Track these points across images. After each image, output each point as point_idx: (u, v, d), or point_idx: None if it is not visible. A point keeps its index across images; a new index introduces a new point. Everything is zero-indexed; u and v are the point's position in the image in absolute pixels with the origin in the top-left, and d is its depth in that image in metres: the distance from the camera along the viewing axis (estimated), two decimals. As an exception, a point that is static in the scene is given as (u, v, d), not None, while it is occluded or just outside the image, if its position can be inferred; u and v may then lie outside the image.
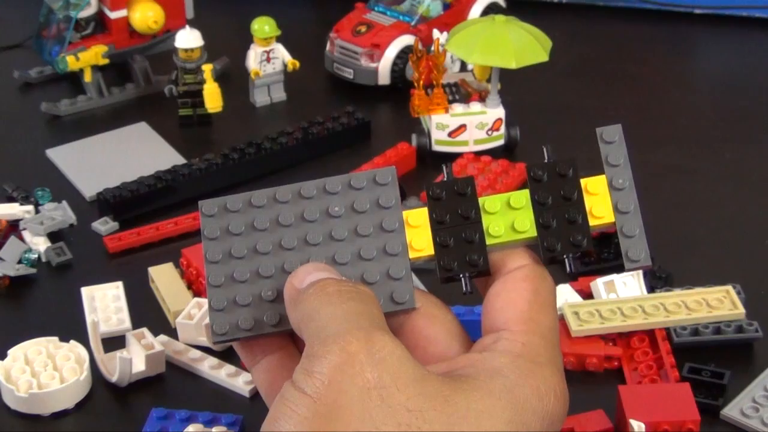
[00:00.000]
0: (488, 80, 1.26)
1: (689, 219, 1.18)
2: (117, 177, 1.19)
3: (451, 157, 1.23)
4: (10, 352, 0.96)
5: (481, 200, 0.50)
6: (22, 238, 1.12)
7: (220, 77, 1.37)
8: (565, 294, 1.01)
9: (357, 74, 1.39)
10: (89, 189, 1.20)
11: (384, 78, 1.39)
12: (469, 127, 1.25)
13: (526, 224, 0.49)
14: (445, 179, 0.51)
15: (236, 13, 1.59)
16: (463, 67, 1.36)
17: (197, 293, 1.05)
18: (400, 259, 0.49)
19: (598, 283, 1.02)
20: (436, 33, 1.28)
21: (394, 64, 1.38)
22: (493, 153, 1.25)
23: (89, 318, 1.01)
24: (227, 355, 0.99)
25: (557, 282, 1.11)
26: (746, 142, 1.31)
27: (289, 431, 0.43)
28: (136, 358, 0.96)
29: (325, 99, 1.41)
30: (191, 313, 1.01)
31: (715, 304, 0.99)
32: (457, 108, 1.25)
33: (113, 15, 1.37)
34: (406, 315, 0.49)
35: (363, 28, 1.40)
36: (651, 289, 1.03)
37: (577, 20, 1.59)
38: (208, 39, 1.33)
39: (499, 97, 1.25)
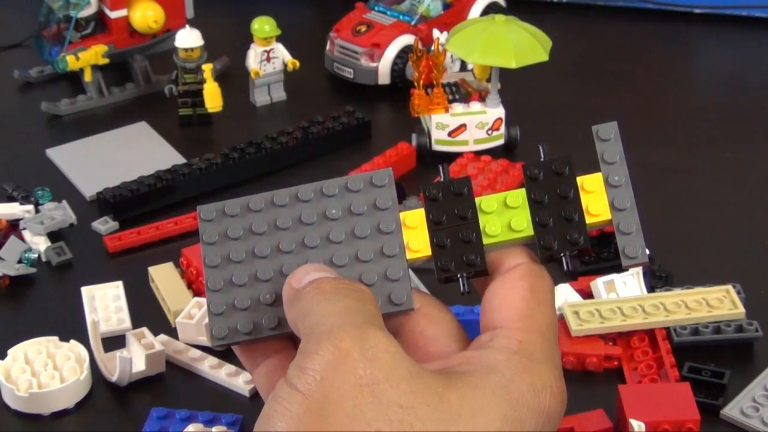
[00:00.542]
0: (488, 80, 1.26)
1: (689, 219, 1.18)
2: (117, 177, 1.19)
3: (451, 157, 1.23)
4: (10, 351, 0.96)
5: (477, 200, 0.50)
6: (22, 238, 1.12)
7: (220, 77, 1.37)
8: (565, 294, 1.01)
9: (357, 74, 1.39)
10: (89, 189, 1.21)
11: (384, 78, 1.39)
12: (469, 126, 1.25)
13: (523, 223, 0.49)
14: (442, 180, 0.51)
15: (236, 13, 1.59)
16: (463, 66, 1.36)
17: (197, 293, 1.05)
18: (397, 260, 0.49)
19: (598, 283, 1.02)
20: (436, 33, 1.28)
21: (394, 63, 1.38)
22: (493, 153, 1.25)
23: (89, 318, 1.01)
24: (227, 355, 0.99)
25: (556, 282, 1.11)
26: (746, 142, 1.31)
27: (281, 430, 0.43)
28: (136, 357, 0.96)
29: (325, 99, 1.41)
30: (191, 313, 1.01)
31: (715, 304, 0.99)
32: (457, 108, 1.25)
33: (113, 15, 1.37)
34: (405, 316, 0.49)
35: (363, 28, 1.40)
36: (651, 288, 1.03)
37: (577, 20, 1.59)
38: (208, 39, 1.33)
39: (499, 96, 1.25)
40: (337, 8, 1.49)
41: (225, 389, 0.97)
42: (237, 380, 0.96)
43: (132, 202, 1.17)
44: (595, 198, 0.49)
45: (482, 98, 1.26)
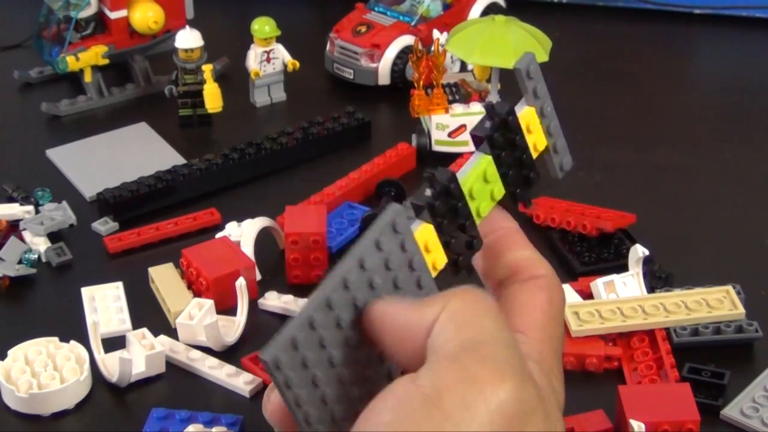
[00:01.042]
0: (488, 80, 1.26)
1: (689, 219, 1.18)
2: (117, 177, 1.19)
3: (451, 158, 1.23)
4: (10, 352, 0.96)
5: (462, 181, 0.51)
6: (22, 238, 1.12)
7: (220, 77, 1.37)
8: (565, 294, 1.01)
9: (357, 74, 1.40)
10: (89, 189, 1.21)
11: (384, 78, 1.39)
12: (469, 127, 1.24)
13: (501, 190, 0.52)
14: (435, 189, 0.50)
15: (236, 13, 1.59)
16: (463, 67, 1.36)
17: (197, 293, 1.05)
18: (430, 284, 0.49)
19: (598, 283, 1.02)
20: (436, 33, 1.28)
21: (394, 64, 1.38)
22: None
23: (89, 318, 1.01)
24: (227, 355, 0.99)
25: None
26: (746, 142, 1.31)
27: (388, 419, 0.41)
28: (136, 358, 0.96)
29: (325, 99, 1.41)
30: (191, 313, 1.01)
31: (715, 304, 0.99)
32: (457, 108, 1.25)
33: (113, 15, 1.37)
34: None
35: (363, 29, 1.40)
36: (651, 289, 1.03)
37: (577, 20, 1.59)
38: (208, 39, 1.33)
39: (499, 97, 1.25)
40: (337, 8, 1.49)
41: (225, 389, 0.97)
42: (237, 380, 0.96)
43: (132, 203, 1.17)
44: (535, 134, 0.55)
45: (482, 99, 1.26)
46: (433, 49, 1.23)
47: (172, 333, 1.01)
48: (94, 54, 1.36)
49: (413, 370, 0.43)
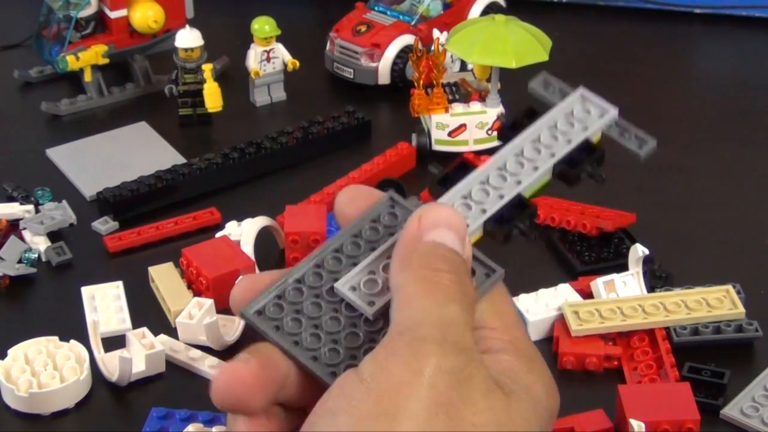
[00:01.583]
0: (488, 80, 1.26)
1: (689, 219, 1.18)
2: (117, 177, 1.19)
3: (451, 157, 1.23)
4: (10, 351, 0.96)
5: None
6: (22, 238, 1.12)
7: (220, 77, 1.37)
8: (565, 294, 1.01)
9: (357, 74, 1.40)
10: (89, 189, 1.21)
11: (384, 78, 1.39)
12: (469, 126, 1.25)
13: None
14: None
15: (236, 13, 1.59)
16: (463, 66, 1.36)
17: (197, 293, 1.05)
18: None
19: (598, 283, 1.02)
20: (436, 33, 1.28)
21: (394, 63, 1.38)
22: (493, 153, 1.24)
23: (89, 318, 1.01)
24: (227, 355, 0.99)
25: (557, 282, 1.11)
26: (746, 142, 1.31)
27: (345, 428, 0.41)
28: (136, 357, 0.96)
29: (325, 99, 1.41)
30: (191, 313, 1.01)
31: (715, 304, 0.99)
32: (457, 108, 1.25)
33: (113, 15, 1.37)
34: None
35: (363, 28, 1.40)
36: (651, 288, 1.03)
37: (577, 20, 1.59)
38: (208, 39, 1.33)
39: (499, 96, 1.25)
40: (337, 8, 1.49)
41: (225, 389, 0.96)
42: (237, 380, 0.96)
43: (132, 202, 1.17)
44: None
45: (482, 98, 1.26)
46: (433, 48, 1.23)
47: (172, 332, 1.01)
48: (94, 53, 1.36)
49: None
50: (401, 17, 1.42)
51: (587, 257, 1.09)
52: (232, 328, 1.02)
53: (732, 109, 1.40)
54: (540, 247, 1.10)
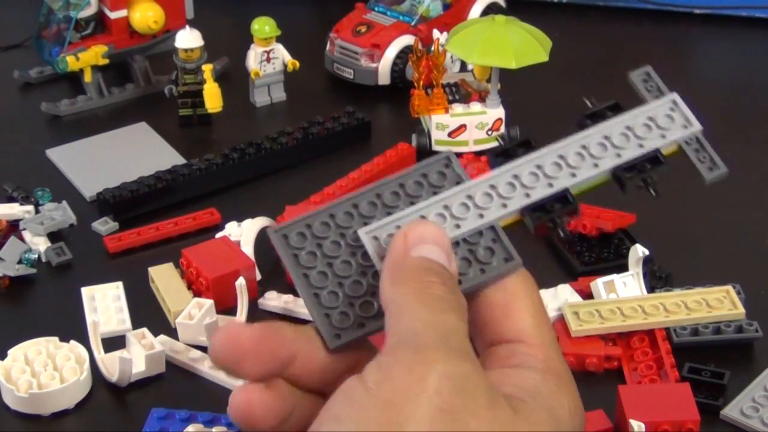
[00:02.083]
0: (488, 80, 1.26)
1: (689, 219, 1.18)
2: (117, 177, 1.19)
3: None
4: (10, 352, 0.96)
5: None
6: (22, 238, 1.12)
7: (220, 77, 1.37)
8: (565, 294, 1.01)
9: (357, 74, 1.40)
10: (89, 189, 1.21)
11: (384, 78, 1.39)
12: (469, 127, 1.25)
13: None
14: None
15: (236, 13, 1.59)
16: (463, 67, 1.36)
17: (197, 293, 1.05)
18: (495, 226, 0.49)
19: (598, 283, 1.02)
20: (436, 33, 1.28)
21: (394, 64, 1.38)
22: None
23: (89, 318, 1.01)
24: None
25: (557, 282, 1.11)
26: (746, 142, 1.31)
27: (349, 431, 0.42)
28: (136, 358, 0.96)
29: (325, 99, 1.41)
30: (191, 313, 1.01)
31: (715, 304, 0.99)
32: (457, 108, 1.25)
33: (113, 15, 1.37)
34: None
35: (363, 29, 1.40)
36: (651, 289, 1.03)
37: (577, 20, 1.59)
38: (208, 39, 1.33)
39: (499, 97, 1.25)
40: (337, 8, 1.49)
41: (225, 389, 0.97)
42: (237, 380, 0.96)
43: (132, 203, 1.17)
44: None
45: (482, 99, 1.26)
46: (433, 49, 1.23)
47: (172, 333, 1.01)
48: (94, 54, 1.36)
49: None
50: (401, 18, 1.42)
51: (587, 258, 1.09)
52: (232, 328, 1.02)
53: (732, 109, 1.39)
54: (540, 248, 1.10)
